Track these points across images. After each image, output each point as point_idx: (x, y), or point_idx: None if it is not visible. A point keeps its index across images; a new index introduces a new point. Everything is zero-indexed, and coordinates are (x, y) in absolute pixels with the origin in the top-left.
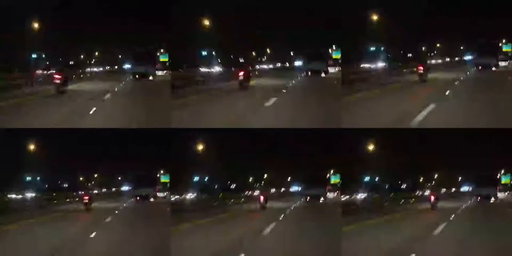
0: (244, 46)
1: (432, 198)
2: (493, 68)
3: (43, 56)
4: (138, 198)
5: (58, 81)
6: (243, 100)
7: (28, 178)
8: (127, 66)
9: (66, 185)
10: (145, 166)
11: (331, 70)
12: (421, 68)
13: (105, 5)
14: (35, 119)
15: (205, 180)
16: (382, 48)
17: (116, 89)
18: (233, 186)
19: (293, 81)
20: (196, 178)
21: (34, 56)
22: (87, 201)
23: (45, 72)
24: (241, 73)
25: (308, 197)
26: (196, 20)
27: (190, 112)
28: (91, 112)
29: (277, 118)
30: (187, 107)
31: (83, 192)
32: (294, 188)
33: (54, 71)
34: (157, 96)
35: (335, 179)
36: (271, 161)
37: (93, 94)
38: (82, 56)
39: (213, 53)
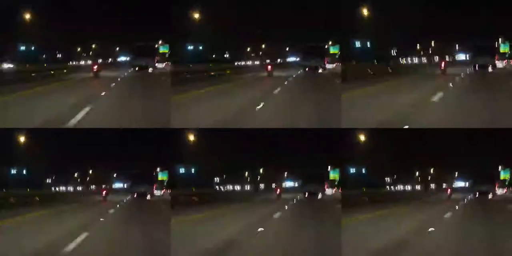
0: (240, 43)
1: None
2: (490, 69)
3: (32, 48)
4: (135, 195)
5: (95, 69)
6: (273, 82)
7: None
8: (123, 58)
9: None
10: (143, 164)
11: (329, 66)
12: (443, 63)
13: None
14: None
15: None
16: (369, 45)
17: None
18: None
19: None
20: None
21: (22, 48)
22: None
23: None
24: (269, 66)
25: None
26: (192, 16)
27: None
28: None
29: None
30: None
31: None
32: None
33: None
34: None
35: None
36: (270, 160)
37: (109, 78)
38: (78, 49)
39: (200, 48)
